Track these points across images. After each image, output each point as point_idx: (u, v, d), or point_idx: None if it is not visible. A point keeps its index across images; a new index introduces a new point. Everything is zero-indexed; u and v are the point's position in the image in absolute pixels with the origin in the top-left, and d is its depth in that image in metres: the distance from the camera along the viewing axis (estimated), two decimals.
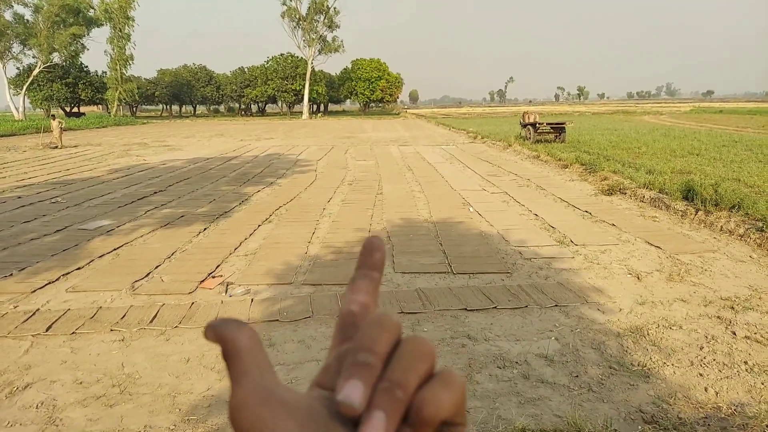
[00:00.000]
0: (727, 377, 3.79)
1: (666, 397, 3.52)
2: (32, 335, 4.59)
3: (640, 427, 3.16)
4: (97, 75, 65.82)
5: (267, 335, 4.52)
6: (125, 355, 4.23)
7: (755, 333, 4.47)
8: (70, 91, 62.14)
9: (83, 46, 59.35)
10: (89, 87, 63.42)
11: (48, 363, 4.12)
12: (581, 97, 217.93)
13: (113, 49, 59.29)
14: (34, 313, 5.04)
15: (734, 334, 4.47)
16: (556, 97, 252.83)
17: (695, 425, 3.11)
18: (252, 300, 5.32)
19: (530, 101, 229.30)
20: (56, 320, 4.86)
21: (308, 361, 4.07)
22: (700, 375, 3.82)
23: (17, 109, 55.59)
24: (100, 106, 73.53)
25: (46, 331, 4.65)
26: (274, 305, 5.16)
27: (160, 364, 4.07)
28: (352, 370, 0.30)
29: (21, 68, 58.47)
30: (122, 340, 4.48)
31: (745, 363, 3.98)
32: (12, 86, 57.83)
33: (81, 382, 3.81)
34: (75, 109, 66.00)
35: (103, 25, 58.55)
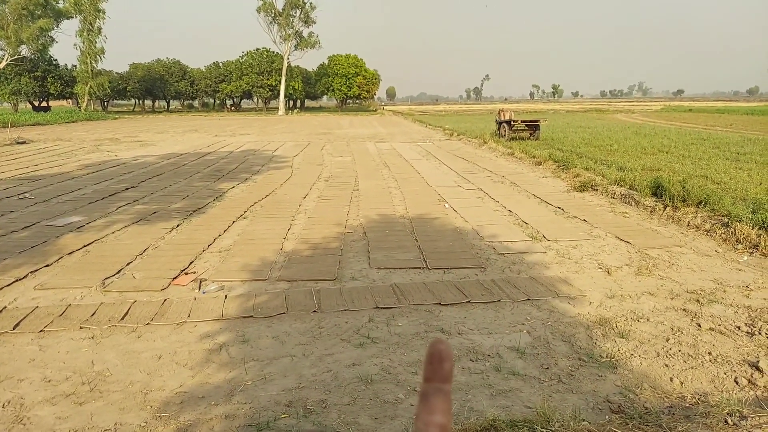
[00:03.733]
0: (691, 368, 3.90)
1: (633, 387, 3.61)
2: None
3: (607, 416, 3.24)
4: (66, 68, 64.17)
5: (241, 331, 4.50)
6: (95, 352, 4.16)
7: (719, 325, 4.61)
8: (38, 84, 60.51)
9: (52, 39, 57.70)
10: (58, 81, 61.82)
11: (15, 361, 4.03)
12: (556, 96, 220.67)
13: (83, 42, 57.84)
14: (0, 311, 4.93)
15: (699, 326, 4.60)
16: (531, 95, 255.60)
17: (660, 414, 3.20)
18: (226, 296, 5.28)
19: (506, 99, 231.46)
20: (24, 318, 4.76)
21: (282, 357, 4.06)
22: (666, 366, 3.93)
23: None
24: (69, 100, 71.68)
25: (14, 329, 4.55)
26: (248, 301, 5.14)
27: (132, 361, 4.02)
28: None
29: None
30: (92, 338, 4.41)
31: (709, 354, 4.11)
32: None
33: (50, 380, 3.75)
34: (43, 104, 64.30)
35: (72, 17, 57.10)
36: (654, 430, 2.92)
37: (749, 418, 2.95)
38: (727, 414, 3.06)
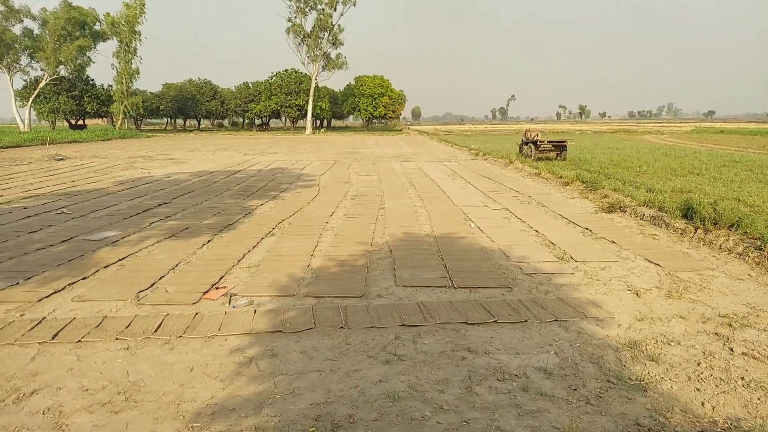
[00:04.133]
0: (723, 392, 3.84)
1: (663, 410, 3.57)
2: (38, 343, 4.65)
3: None
4: (102, 88, 66.44)
5: (270, 345, 4.58)
6: (130, 363, 4.29)
7: (752, 350, 4.52)
8: (75, 103, 62.72)
9: (89, 60, 60.09)
10: (95, 100, 64.00)
11: (54, 370, 4.18)
12: (583, 116, 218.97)
13: (119, 63, 59.93)
14: (40, 322, 5.12)
15: (731, 350, 4.52)
16: (558, 115, 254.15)
17: None
18: (255, 311, 5.38)
19: (532, 119, 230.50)
20: (62, 328, 4.93)
21: (310, 372, 4.12)
22: (697, 390, 3.87)
23: (23, 120, 56.10)
24: (105, 119, 74.07)
25: (52, 339, 4.72)
26: (277, 316, 5.23)
27: (165, 372, 4.13)
28: None
29: (28, 80, 59.17)
30: (127, 349, 4.55)
31: (742, 379, 4.03)
32: (18, 98, 58.43)
33: (87, 389, 3.88)
34: (80, 122, 66.52)
35: (109, 38, 59.30)
36: None
37: None
38: None
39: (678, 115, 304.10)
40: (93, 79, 66.15)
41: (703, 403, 3.69)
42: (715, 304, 5.64)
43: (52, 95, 60.72)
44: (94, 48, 59.24)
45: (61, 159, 24.38)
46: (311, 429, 3.33)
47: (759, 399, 3.74)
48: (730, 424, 3.41)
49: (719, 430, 3.34)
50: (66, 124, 67.15)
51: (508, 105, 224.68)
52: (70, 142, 39.57)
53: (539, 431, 3.28)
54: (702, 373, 4.12)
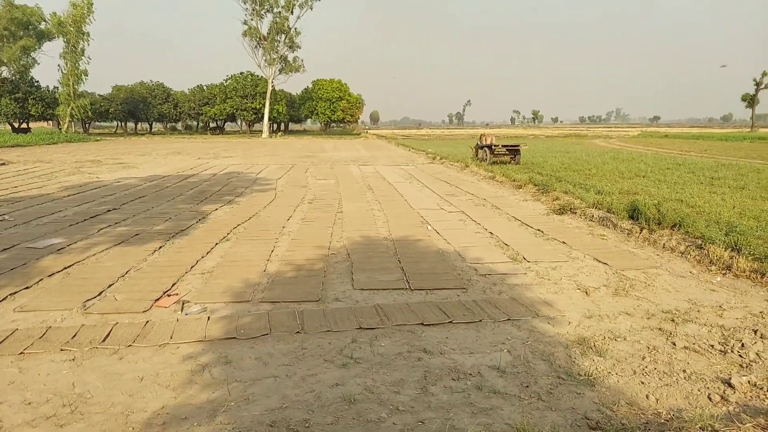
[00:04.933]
0: (666, 385, 4.01)
1: (610, 404, 3.70)
2: None
3: None
4: (48, 90, 63.85)
5: (224, 352, 4.50)
6: (76, 374, 4.13)
7: (693, 343, 4.74)
8: (19, 106, 60.06)
9: (34, 60, 57.73)
10: (40, 102, 61.42)
11: None
12: (536, 121, 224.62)
13: (66, 64, 57.75)
14: None
15: (674, 344, 4.73)
16: (512, 120, 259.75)
17: (636, 430, 3.28)
18: (209, 318, 5.28)
19: (487, 124, 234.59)
20: (3, 340, 4.71)
21: (265, 378, 4.07)
22: (642, 383, 4.03)
23: None
24: (50, 122, 71.16)
25: None
26: (231, 323, 5.14)
27: (113, 383, 4.00)
28: None
29: None
30: (73, 360, 4.38)
31: (684, 371, 4.22)
32: None
33: (30, 403, 3.71)
34: (24, 125, 63.68)
35: (55, 38, 57.10)
36: None
37: None
38: (700, 428, 3.15)
39: (626, 120, 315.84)
40: (38, 81, 63.57)
41: (647, 396, 3.84)
42: (659, 300, 5.88)
43: None
44: (40, 48, 57.00)
45: (3, 164, 23.27)
46: None
47: (699, 390, 3.93)
48: (673, 414, 3.57)
49: (662, 420, 3.49)
50: (8, 127, 64.15)
51: (464, 110, 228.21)
52: (13, 146, 37.84)
53: (492, 429, 3.35)
54: (646, 367, 4.29)
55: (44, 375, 4.13)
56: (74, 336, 4.82)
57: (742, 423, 3.19)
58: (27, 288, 6.25)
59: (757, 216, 9.39)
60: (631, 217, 9.49)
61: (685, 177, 15.94)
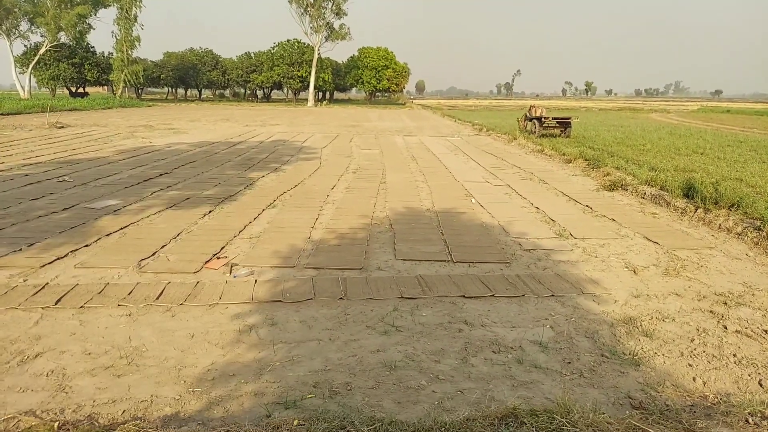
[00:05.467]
0: (715, 368, 3.90)
1: (655, 384, 3.64)
2: (42, 308, 4.72)
3: (627, 411, 3.28)
4: (103, 56, 65.72)
5: (270, 314, 4.65)
6: (132, 329, 4.36)
7: (746, 328, 4.58)
8: (76, 71, 62.12)
9: (90, 26, 59.24)
10: (95, 68, 63.37)
11: (57, 334, 4.25)
12: (588, 93, 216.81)
13: (120, 30, 59.10)
14: (43, 287, 5.18)
15: (725, 328, 4.58)
16: (564, 92, 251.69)
17: (681, 412, 3.22)
18: (256, 281, 5.44)
19: (537, 95, 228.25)
20: (65, 294, 5.00)
21: (309, 340, 4.19)
22: (690, 365, 3.93)
23: (23, 87, 55.66)
24: (105, 87, 73.43)
25: (56, 304, 4.78)
26: (277, 286, 5.29)
27: (166, 338, 4.20)
28: None
29: (28, 47, 58.53)
30: (129, 315, 4.61)
31: (734, 356, 4.09)
32: (18, 65, 57.85)
33: (89, 353, 3.95)
34: (80, 90, 66.00)
35: (110, 5, 58.38)
36: (674, 426, 2.95)
37: None
38: (749, 414, 3.07)
39: (685, 93, 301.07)
40: (93, 47, 65.44)
41: (694, 379, 3.75)
42: (712, 282, 5.68)
43: (53, 62, 60.11)
44: (95, 15, 58.39)
45: (62, 127, 24.26)
46: (309, 395, 3.41)
47: (749, 375, 3.81)
48: (720, 399, 3.48)
49: (709, 404, 3.41)
50: (66, 91, 66.64)
51: (513, 80, 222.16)
52: (71, 110, 39.33)
53: (532, 402, 3.35)
54: (695, 349, 4.19)
55: (103, 328, 4.37)
56: (130, 293, 5.06)
57: None
58: (86, 246, 6.57)
59: None
60: (686, 196, 9.13)
61: (747, 155, 15.13)
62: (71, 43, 60.42)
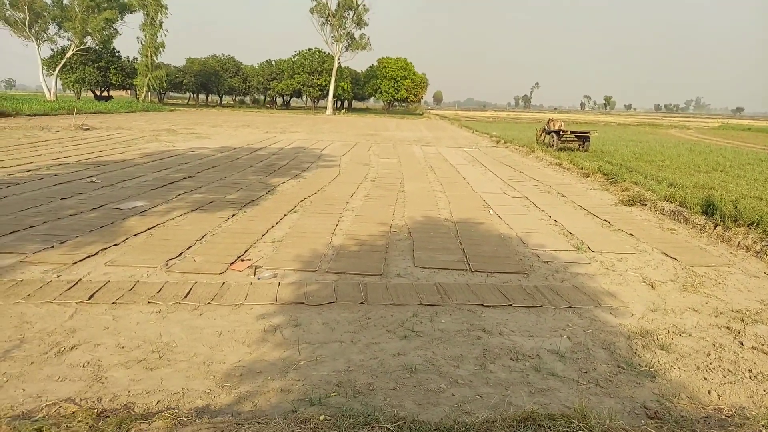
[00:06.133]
0: (730, 382, 3.96)
1: (670, 396, 3.71)
2: (76, 302, 4.92)
3: (642, 421, 3.36)
4: (128, 60, 67.07)
5: (294, 316, 4.79)
6: (162, 325, 4.53)
7: (762, 344, 4.63)
8: (101, 74, 63.43)
9: (116, 31, 60.57)
10: (120, 72, 64.66)
11: (91, 328, 4.44)
12: (607, 107, 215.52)
13: (145, 36, 60.33)
14: (76, 283, 5.39)
15: (741, 344, 4.63)
16: (582, 105, 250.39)
17: (695, 423, 3.30)
18: (279, 283, 5.60)
19: (555, 108, 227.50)
20: (97, 290, 5.20)
21: (332, 342, 4.33)
22: (705, 379, 4.00)
23: (49, 89, 56.94)
24: (129, 91, 74.84)
25: (89, 299, 4.98)
26: (300, 289, 5.44)
27: (195, 335, 4.37)
28: None
29: (55, 50, 59.98)
30: (159, 312, 4.79)
31: (750, 371, 4.15)
32: (45, 67, 59.25)
33: (123, 347, 4.13)
34: (104, 93, 67.35)
35: (136, 11, 59.65)
36: None
37: None
38: (763, 426, 3.14)
39: (706, 110, 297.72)
40: (119, 51, 66.82)
41: (709, 392, 3.82)
42: (729, 299, 5.72)
43: (79, 65, 61.45)
44: (121, 20, 59.69)
45: (88, 129, 24.83)
46: (333, 393, 3.54)
47: (765, 390, 3.86)
48: (735, 412, 3.55)
49: (723, 417, 3.48)
50: (90, 94, 68.02)
51: (531, 93, 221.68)
52: (95, 113, 40.15)
53: (549, 408, 3.45)
54: (711, 363, 4.25)
55: (134, 323, 4.55)
56: (159, 291, 5.25)
57: None
58: (115, 245, 6.79)
59: None
60: (705, 213, 9.13)
61: (767, 174, 15.03)
62: (97, 47, 61.77)
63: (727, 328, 4.96)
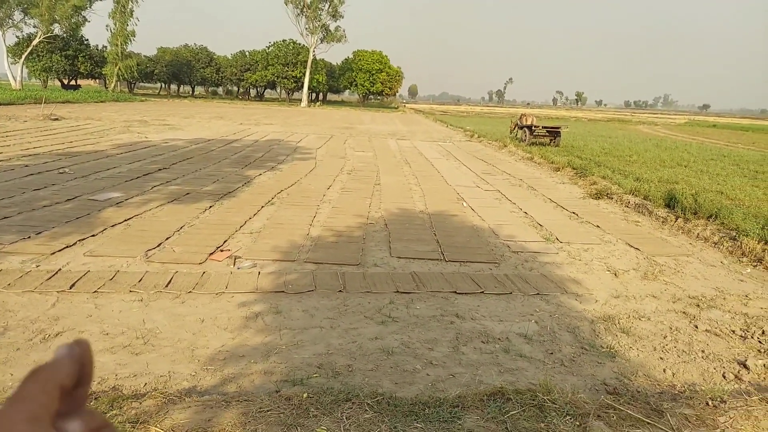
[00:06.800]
0: (684, 362, 4.28)
1: (628, 374, 4.00)
2: (57, 291, 4.98)
3: (602, 396, 3.63)
4: (97, 49, 65.49)
5: (274, 303, 4.95)
6: (145, 313, 4.64)
7: (715, 327, 4.97)
8: (69, 63, 61.84)
9: (85, 19, 59.04)
10: (89, 60, 63.14)
11: (74, 316, 4.52)
12: (579, 103, 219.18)
13: (115, 24, 58.99)
14: (56, 273, 5.43)
15: (696, 327, 4.96)
16: (554, 101, 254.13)
17: (650, 397, 3.58)
18: (259, 273, 5.74)
19: (528, 103, 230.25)
20: (78, 279, 5.26)
21: (312, 327, 4.50)
22: (661, 359, 4.30)
23: (15, 78, 55.31)
24: (98, 80, 73.11)
25: (70, 288, 5.05)
26: (279, 278, 5.59)
27: (178, 322, 4.49)
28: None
29: (21, 37, 58.19)
30: (141, 300, 4.89)
31: (702, 351, 4.47)
32: (11, 55, 57.48)
33: (107, 333, 4.23)
34: (72, 82, 65.68)
35: None
36: (642, 406, 3.30)
37: (728, 402, 3.32)
38: (710, 398, 3.43)
39: (673, 107, 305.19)
40: (87, 39, 65.19)
41: (664, 370, 4.12)
42: (687, 286, 6.08)
43: (46, 53, 59.78)
44: (90, 7, 58.19)
45: (57, 119, 24.31)
46: (314, 375, 3.72)
47: (715, 369, 4.19)
48: (687, 387, 3.85)
49: (676, 392, 3.77)
50: (58, 83, 66.28)
51: (505, 88, 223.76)
52: (64, 102, 39.21)
53: (516, 384, 3.69)
54: (667, 345, 4.56)
55: (117, 311, 4.65)
56: (140, 280, 5.34)
57: (749, 396, 3.45)
58: (93, 236, 6.82)
59: None
60: (668, 206, 9.56)
61: (729, 169, 15.69)
62: (65, 35, 60.15)
63: (684, 313, 5.30)
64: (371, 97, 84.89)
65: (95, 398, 3.16)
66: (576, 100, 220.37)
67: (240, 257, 6.23)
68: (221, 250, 6.45)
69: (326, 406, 3.12)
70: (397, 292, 5.42)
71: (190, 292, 5.13)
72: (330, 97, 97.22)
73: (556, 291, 5.66)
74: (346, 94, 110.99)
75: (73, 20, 57.21)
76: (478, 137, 26.32)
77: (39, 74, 61.77)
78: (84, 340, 0.41)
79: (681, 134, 39.43)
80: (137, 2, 59.29)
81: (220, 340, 4.23)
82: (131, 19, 59.41)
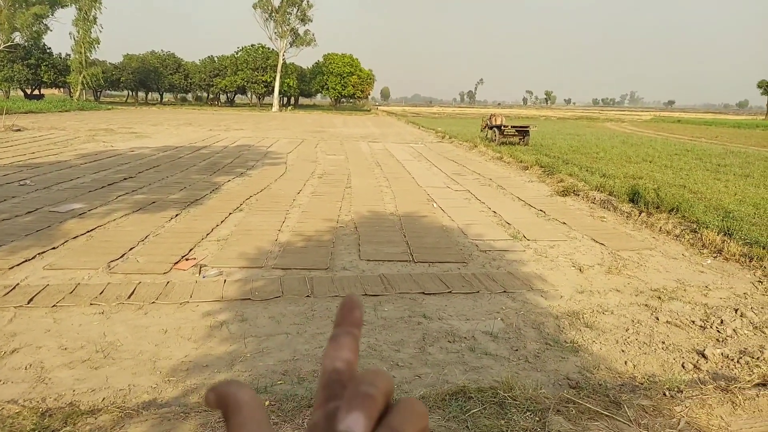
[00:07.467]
0: (645, 353, 4.37)
1: (591, 368, 4.06)
2: (14, 307, 4.84)
3: (565, 390, 3.68)
4: (60, 57, 63.99)
5: (240, 311, 4.90)
6: (106, 325, 4.54)
7: (675, 319, 5.09)
8: (31, 72, 60.32)
9: (46, 27, 57.66)
10: (52, 69, 61.66)
11: (32, 331, 4.40)
12: (548, 102, 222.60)
13: (78, 32, 57.73)
14: (14, 288, 5.28)
15: (657, 319, 5.07)
16: (525, 100, 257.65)
17: (610, 390, 3.64)
18: (225, 281, 5.67)
19: (499, 104, 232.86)
20: (37, 294, 5.12)
21: (278, 334, 4.47)
22: (623, 351, 4.39)
23: None
24: (62, 89, 71.43)
25: (28, 303, 4.91)
26: (246, 285, 5.53)
27: (140, 334, 4.41)
28: (354, 402, 0.30)
29: None
30: (102, 313, 4.79)
31: (663, 343, 4.57)
32: None
33: (66, 348, 4.12)
34: (35, 92, 64.04)
35: (67, 6, 57.01)
36: (602, 399, 3.36)
37: (684, 392, 3.40)
38: (667, 389, 3.51)
39: (640, 103, 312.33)
40: (50, 48, 63.63)
41: (626, 362, 4.20)
42: (649, 279, 6.21)
43: (6, 63, 58.21)
44: (52, 15, 56.89)
45: (18, 130, 23.66)
46: (279, 382, 3.69)
47: (674, 359, 4.28)
48: (647, 379, 3.93)
49: (637, 384, 3.85)
50: (20, 93, 64.56)
51: (476, 89, 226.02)
52: (26, 113, 38.20)
53: (480, 383, 3.72)
54: (629, 338, 4.65)
55: (77, 325, 4.54)
56: (102, 292, 5.22)
57: (704, 385, 3.54)
58: (54, 248, 6.65)
59: (757, 203, 9.65)
60: (632, 201, 9.76)
61: (692, 163, 16.10)
62: (27, 43, 58.65)
63: (646, 305, 5.41)
64: (343, 100, 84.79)
65: (48, 415, 3.08)
66: (545, 99, 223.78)
67: (206, 265, 6.15)
68: (186, 259, 6.35)
69: (287, 413, 3.09)
70: (366, 295, 5.42)
71: (153, 302, 5.04)
72: (302, 101, 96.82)
73: (522, 288, 5.72)
74: (318, 98, 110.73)
75: (34, 29, 55.83)
76: (450, 138, 26.51)
77: (0, 85, 60.07)
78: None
79: (647, 130, 40.36)
80: (100, 9, 58.14)
81: (183, 350, 4.16)
82: (95, 26, 58.19)
